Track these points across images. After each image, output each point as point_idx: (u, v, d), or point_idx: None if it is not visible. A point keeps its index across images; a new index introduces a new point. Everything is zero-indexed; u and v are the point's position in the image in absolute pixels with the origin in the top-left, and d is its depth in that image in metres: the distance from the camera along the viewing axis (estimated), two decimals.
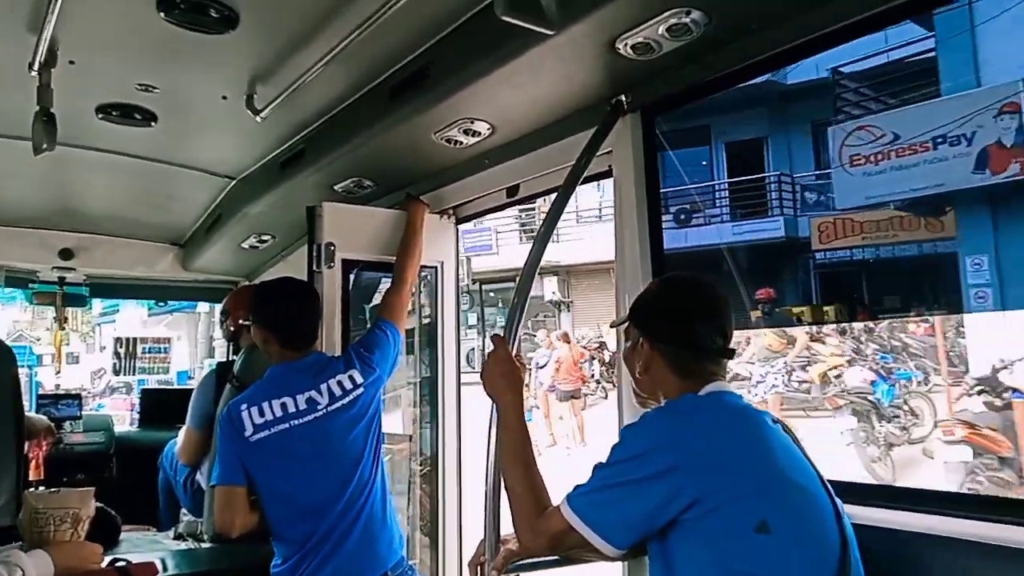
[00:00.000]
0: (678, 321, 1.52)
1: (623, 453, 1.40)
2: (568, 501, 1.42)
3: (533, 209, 18.37)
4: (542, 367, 11.62)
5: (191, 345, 17.56)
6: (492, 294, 20.65)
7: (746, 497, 1.31)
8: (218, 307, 3.74)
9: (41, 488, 2.50)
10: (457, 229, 2.93)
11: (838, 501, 1.41)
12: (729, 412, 1.43)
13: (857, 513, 1.48)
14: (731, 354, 1.51)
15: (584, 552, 1.45)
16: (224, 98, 2.32)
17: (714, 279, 1.66)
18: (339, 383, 2.31)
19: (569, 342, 12.09)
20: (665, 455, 1.34)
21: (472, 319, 19.98)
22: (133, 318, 18.28)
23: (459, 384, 2.95)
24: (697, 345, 1.49)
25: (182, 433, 3.25)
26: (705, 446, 1.34)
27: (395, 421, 3.19)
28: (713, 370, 1.48)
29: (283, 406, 2.24)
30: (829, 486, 1.42)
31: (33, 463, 3.27)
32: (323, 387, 2.29)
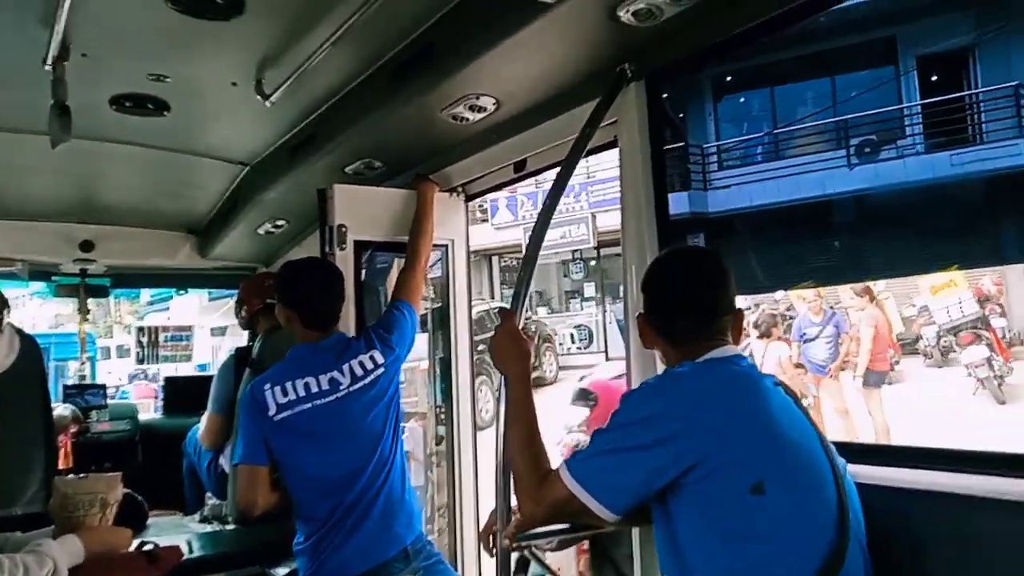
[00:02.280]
0: (657, 294, 1.58)
1: (622, 419, 1.43)
2: (568, 468, 1.44)
3: None
4: (810, 339, 7.82)
5: None
6: (594, 262, 18.61)
7: (742, 460, 1.33)
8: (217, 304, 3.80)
9: (70, 475, 2.57)
10: (467, 207, 2.95)
11: (839, 460, 1.42)
12: (726, 377, 1.44)
13: (860, 472, 1.49)
14: (714, 321, 1.51)
15: (585, 518, 1.48)
16: (234, 84, 2.34)
17: (708, 250, 1.69)
18: (360, 363, 2.34)
19: (874, 299, 8.14)
20: (662, 422, 1.37)
21: (590, 290, 18.89)
22: (189, 305, 18.04)
23: (472, 361, 2.98)
24: (670, 315, 1.54)
25: (204, 418, 3.32)
26: (701, 411, 1.37)
27: (412, 399, 3.23)
28: (710, 337, 1.50)
29: (306, 386, 2.28)
30: (831, 447, 1.43)
31: (62, 452, 3.35)
32: (345, 368, 2.32)
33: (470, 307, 2.98)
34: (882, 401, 7.33)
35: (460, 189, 2.90)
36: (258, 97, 2.30)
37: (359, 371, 2.33)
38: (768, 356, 7.41)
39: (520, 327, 1.76)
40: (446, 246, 2.94)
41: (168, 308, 20.14)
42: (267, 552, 2.75)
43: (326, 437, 2.28)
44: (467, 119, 2.33)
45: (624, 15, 1.72)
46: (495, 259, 20.16)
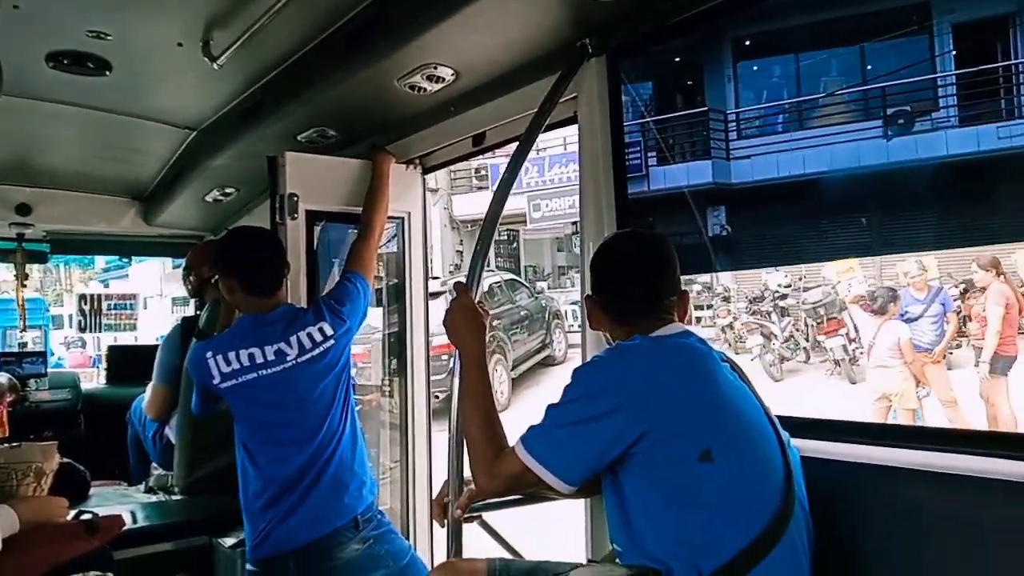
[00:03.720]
0: (604, 275, 1.61)
1: (573, 393, 1.46)
2: (523, 442, 1.46)
3: None
4: (913, 319, 6.44)
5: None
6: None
7: (689, 429, 1.37)
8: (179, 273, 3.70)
9: (3, 445, 2.49)
10: (423, 179, 2.91)
11: (784, 433, 1.47)
12: (674, 350, 1.47)
13: (804, 445, 1.55)
14: (659, 302, 1.54)
15: (540, 489, 1.50)
16: (180, 45, 2.25)
17: (655, 232, 1.71)
18: (309, 335, 2.32)
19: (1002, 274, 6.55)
20: (612, 394, 1.40)
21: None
22: (150, 273, 17.36)
23: (427, 334, 2.96)
24: (618, 297, 1.58)
25: (149, 389, 3.25)
26: (649, 382, 1.40)
27: (368, 372, 3.21)
28: (656, 317, 1.53)
29: (251, 356, 2.26)
30: (775, 419, 1.48)
31: None
32: (293, 339, 2.30)
33: (427, 281, 2.96)
34: (1008, 391, 5.85)
35: (417, 161, 2.86)
36: (205, 59, 2.21)
37: (307, 343, 2.31)
38: (883, 336, 6.15)
39: (476, 302, 1.75)
40: (402, 219, 2.90)
41: (127, 276, 19.41)
42: (215, 522, 2.73)
43: (273, 406, 2.27)
44: (425, 89, 2.29)
45: None
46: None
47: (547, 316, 12.18)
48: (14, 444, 2.00)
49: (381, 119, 2.63)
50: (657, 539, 1.39)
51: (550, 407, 1.48)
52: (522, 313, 11.32)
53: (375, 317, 3.03)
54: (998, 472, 1.36)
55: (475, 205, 17.36)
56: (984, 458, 1.40)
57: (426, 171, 2.90)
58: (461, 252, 18.29)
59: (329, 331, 2.34)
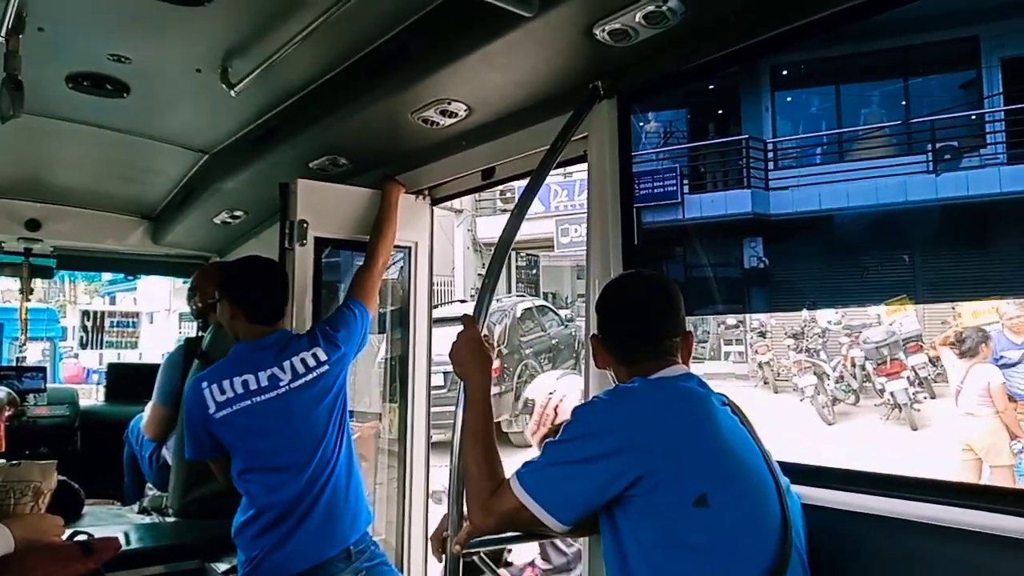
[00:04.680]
0: (609, 316, 1.64)
1: (572, 432, 1.46)
2: (518, 478, 1.46)
3: None
4: (1011, 364, 5.36)
5: None
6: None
7: (687, 473, 1.37)
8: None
9: (2, 461, 2.48)
10: (432, 210, 2.94)
11: (783, 479, 1.47)
12: (675, 393, 1.48)
13: (806, 493, 1.55)
14: (661, 343, 1.56)
15: (535, 527, 1.50)
16: (198, 71, 2.29)
17: (660, 274, 1.73)
18: (303, 360, 2.33)
19: None
20: (611, 435, 1.41)
21: None
22: (159, 288, 17.05)
23: (430, 363, 2.97)
24: (620, 337, 1.60)
25: (148, 408, 3.24)
26: (648, 425, 1.41)
27: (364, 400, 3.20)
28: (659, 358, 1.54)
29: (244, 383, 2.27)
30: (775, 465, 1.47)
31: None
32: (286, 364, 2.31)
33: (430, 310, 2.97)
34: None
35: (426, 192, 2.89)
36: (223, 86, 2.26)
37: (300, 368, 2.32)
38: (972, 380, 5.44)
39: (483, 335, 1.76)
40: (409, 248, 2.93)
41: (135, 289, 19.20)
42: (208, 546, 2.71)
43: (267, 433, 2.27)
44: (437, 123, 2.33)
45: (600, 34, 1.73)
46: (516, 253, 18.15)
47: (576, 346, 12.00)
48: (13, 462, 1.99)
49: (393, 150, 2.66)
50: None
51: (548, 443, 1.48)
52: (553, 342, 11.19)
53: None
54: (1004, 528, 1.36)
55: (499, 228, 16.69)
56: (991, 513, 1.39)
57: (435, 202, 2.94)
58: (482, 276, 17.82)
59: (323, 356, 2.35)
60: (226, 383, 2.26)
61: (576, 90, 2.02)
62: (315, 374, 2.32)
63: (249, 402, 2.25)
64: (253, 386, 2.26)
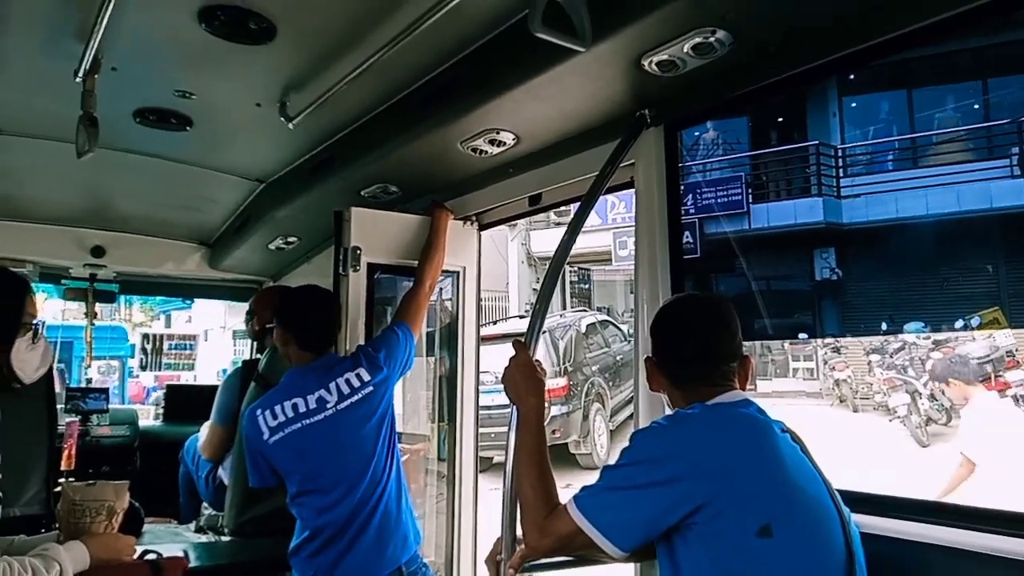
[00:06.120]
0: (665, 339, 1.61)
1: (632, 457, 1.45)
2: (576, 502, 1.46)
3: None
4: None
5: None
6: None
7: (749, 502, 1.34)
8: (244, 306, 3.82)
9: (74, 480, 2.58)
10: (479, 235, 2.99)
11: (845, 509, 1.44)
12: (734, 420, 1.46)
13: (865, 522, 1.51)
14: (718, 367, 1.54)
15: (591, 552, 1.49)
16: (258, 105, 2.39)
17: (718, 296, 1.72)
18: (347, 381, 2.38)
19: None
20: (672, 462, 1.39)
21: None
22: (215, 304, 17.36)
23: (478, 385, 3.00)
24: (675, 360, 1.58)
25: (205, 428, 3.32)
26: (710, 452, 1.39)
27: (412, 421, 3.24)
28: (716, 383, 1.53)
29: (294, 407, 2.33)
30: (837, 495, 1.45)
31: (66, 453, 3.36)
32: (332, 385, 2.36)
33: (478, 333, 3.01)
34: None
35: (474, 218, 2.94)
36: (281, 119, 2.35)
37: (346, 389, 2.37)
38: None
39: (534, 360, 1.78)
40: (457, 272, 2.98)
41: (190, 307, 19.54)
42: (263, 566, 2.75)
43: (317, 455, 2.32)
44: (485, 152, 2.38)
45: (648, 65, 1.76)
46: (570, 267, 17.63)
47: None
48: (89, 482, 2.06)
49: (442, 178, 2.72)
50: None
51: (606, 468, 1.48)
52: (618, 359, 10.86)
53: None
54: None
55: (553, 241, 16.53)
56: None
57: (482, 228, 2.98)
58: (536, 291, 17.77)
59: (366, 376, 2.39)
60: (277, 408, 2.33)
61: (622, 118, 2.05)
62: (360, 395, 2.37)
63: (299, 425, 2.31)
64: (302, 409, 2.32)
